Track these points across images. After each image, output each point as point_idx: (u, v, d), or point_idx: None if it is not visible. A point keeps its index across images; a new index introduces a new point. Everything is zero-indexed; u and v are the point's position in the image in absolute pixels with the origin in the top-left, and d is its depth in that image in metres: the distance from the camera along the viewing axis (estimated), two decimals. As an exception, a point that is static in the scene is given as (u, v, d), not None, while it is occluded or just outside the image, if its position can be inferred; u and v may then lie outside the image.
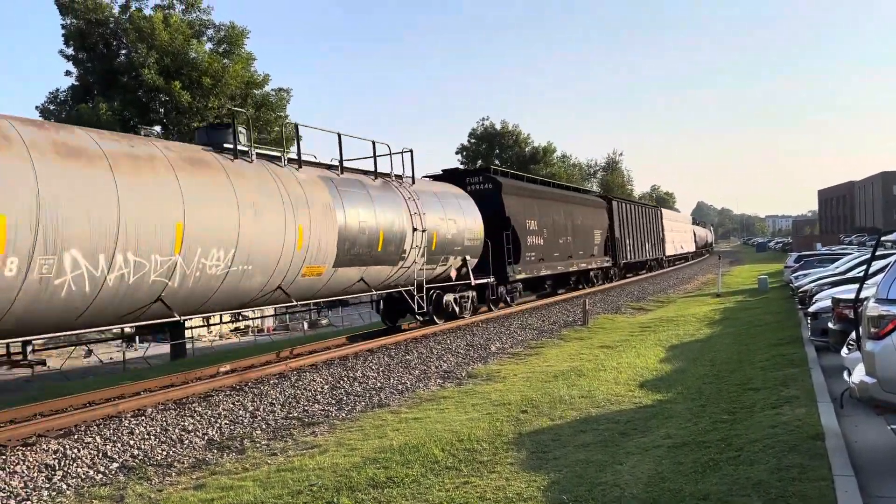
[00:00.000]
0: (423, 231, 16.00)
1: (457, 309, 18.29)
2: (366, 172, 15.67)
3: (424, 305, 16.45)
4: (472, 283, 18.53)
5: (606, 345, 15.15)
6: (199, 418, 9.18)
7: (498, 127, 58.45)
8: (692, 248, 63.36)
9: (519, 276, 21.06)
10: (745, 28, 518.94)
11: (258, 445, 8.20)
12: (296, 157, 13.45)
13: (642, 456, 6.80)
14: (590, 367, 12.07)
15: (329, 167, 14.37)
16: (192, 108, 23.57)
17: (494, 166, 21.85)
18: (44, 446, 7.76)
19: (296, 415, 9.62)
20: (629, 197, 65.68)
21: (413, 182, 16.90)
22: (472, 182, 21.07)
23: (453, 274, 17.92)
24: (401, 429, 8.51)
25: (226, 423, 9.08)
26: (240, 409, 9.70)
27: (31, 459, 7.38)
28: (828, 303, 11.80)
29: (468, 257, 18.34)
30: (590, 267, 28.84)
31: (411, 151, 17.20)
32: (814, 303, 13.71)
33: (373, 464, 6.96)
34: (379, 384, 11.52)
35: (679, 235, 54.66)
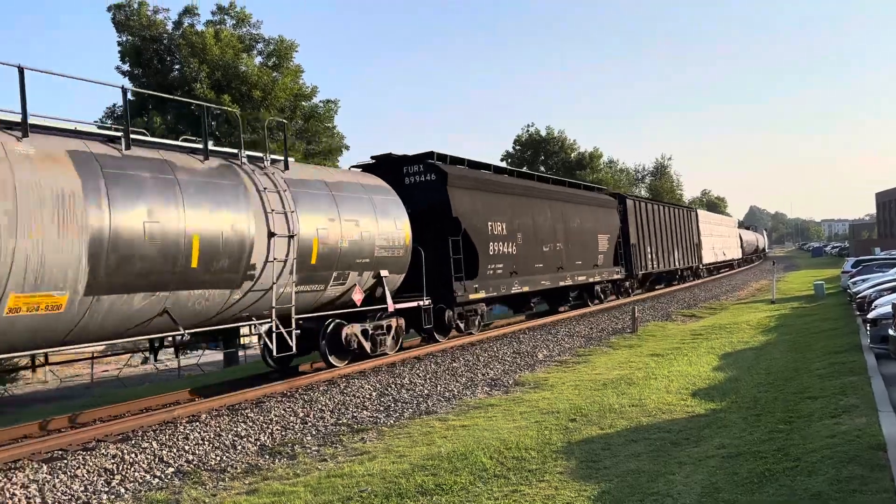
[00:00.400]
0: (292, 237, 11.18)
1: (367, 345, 13.25)
2: (193, 150, 10.66)
3: (293, 344, 11.43)
4: (390, 309, 13.58)
5: (657, 353, 14.91)
6: (251, 424, 9.34)
7: (543, 133, 58.23)
8: (737, 255, 56.97)
9: (476, 296, 16.20)
10: (797, 30, 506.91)
11: (309, 451, 8.31)
12: (18, 120, 8.35)
13: (695, 466, 6.68)
14: (640, 376, 11.90)
15: (112, 139, 9.50)
16: (243, 120, 24.10)
17: (439, 151, 16.67)
18: (103, 451, 7.99)
19: (345, 421, 9.72)
20: (678, 202, 64.23)
21: (286, 167, 12.02)
22: (409, 172, 16.29)
23: (358, 297, 12.95)
24: (448, 436, 8.53)
25: (277, 429, 9.22)
26: (291, 416, 9.84)
27: (91, 464, 7.61)
28: (888, 309, 11.42)
29: (385, 273, 13.44)
30: (593, 280, 23.36)
31: (284, 124, 13.53)
32: (873, 309, 13.29)
33: (421, 471, 6.99)
34: (426, 391, 11.55)
35: (720, 240, 48.64)
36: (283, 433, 9.11)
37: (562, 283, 20.77)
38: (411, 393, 11.42)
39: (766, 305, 26.05)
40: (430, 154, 16.54)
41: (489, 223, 17.02)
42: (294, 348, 11.48)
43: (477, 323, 17.20)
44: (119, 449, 8.07)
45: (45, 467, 7.42)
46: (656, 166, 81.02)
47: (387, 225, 13.59)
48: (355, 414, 10.11)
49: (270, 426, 9.32)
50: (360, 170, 15.97)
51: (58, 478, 7.20)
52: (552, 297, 22.61)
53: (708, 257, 42.60)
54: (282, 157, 12.13)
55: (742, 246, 60.68)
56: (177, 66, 25.47)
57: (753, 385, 10.58)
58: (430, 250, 14.94)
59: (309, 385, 11.72)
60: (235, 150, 11.38)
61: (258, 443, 8.69)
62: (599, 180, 53.38)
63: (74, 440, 8.34)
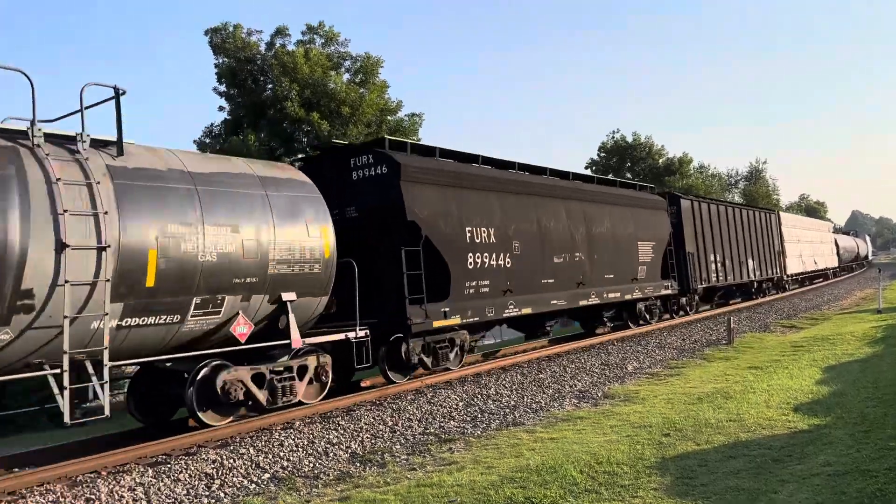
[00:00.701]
0: (103, 249, 8.00)
1: (260, 395, 9.91)
2: None
3: (104, 400, 8.01)
4: (295, 344, 10.21)
5: (755, 365, 14.31)
6: (342, 431, 9.55)
7: (629, 139, 57.12)
8: (833, 263, 50.78)
9: (444, 322, 12.72)
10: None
11: (398, 460, 8.41)
12: None
13: (799, 484, 6.36)
14: (737, 389, 11.45)
15: None
16: (332, 136, 24.76)
17: (394, 138, 13.79)
18: (203, 456, 8.34)
19: (432, 431, 9.78)
20: (774, 206, 61.04)
21: (120, 152, 8.71)
22: (357, 165, 12.91)
23: (243, 330, 9.66)
24: (537, 448, 8.45)
25: (367, 437, 9.38)
26: (380, 424, 9.99)
27: (192, 468, 7.95)
28: None
29: (291, 297, 10.13)
30: (631, 297, 19.31)
31: (116, 92, 8.78)
32: None
33: (510, 483, 6.95)
34: (513, 402, 11.49)
35: (810, 247, 43.17)
36: (373, 441, 9.26)
37: (583, 303, 16.94)
38: (497, 404, 11.39)
39: (872, 315, 24.57)
40: (381, 141, 13.31)
41: (468, 229, 13.45)
42: (107, 409, 8.05)
43: (453, 356, 13.53)
44: (218, 454, 8.40)
45: (150, 471, 7.82)
46: (750, 171, 78.00)
47: (292, 231, 10.28)
48: (442, 424, 10.16)
49: (360, 434, 9.49)
50: (298, 164, 13.51)
51: (162, 481, 7.56)
52: (586, 318, 19.40)
53: (794, 266, 37.73)
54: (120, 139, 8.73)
55: (838, 253, 55.15)
56: (269, 86, 26.45)
57: (860, 399, 9.99)
58: (382, 264, 12.19)
59: (397, 394, 11.86)
60: (25, 128, 8.12)
61: (349, 450, 8.87)
62: (690, 186, 51.89)
63: (177, 445, 8.74)
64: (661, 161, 56.52)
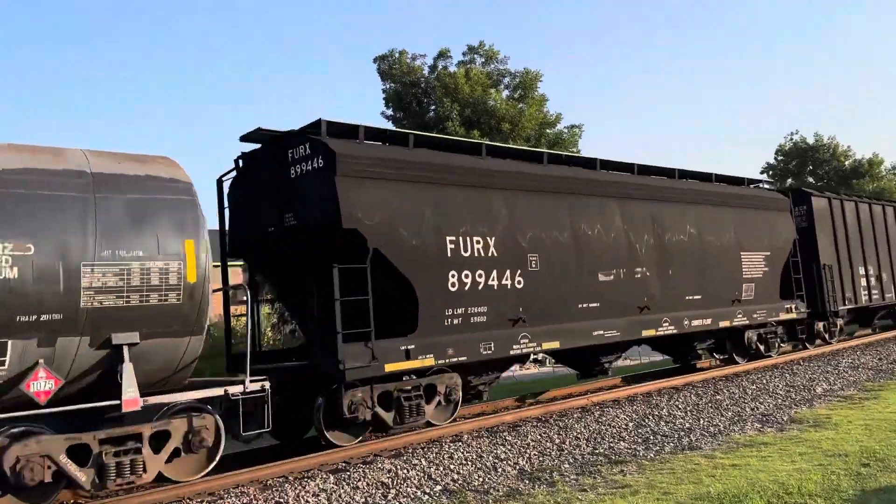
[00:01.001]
0: None
1: (80, 476, 7.20)
2: None
3: None
4: (127, 406, 7.27)
5: (970, 390, 12.69)
6: (509, 447, 9.56)
7: (810, 141, 52.96)
8: None
9: (404, 365, 9.65)
10: None
11: (567, 480, 8.28)
12: None
13: None
14: (949, 417, 10.20)
15: None
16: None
17: (339, 121, 10.07)
18: (379, 465, 8.68)
19: (602, 451, 9.55)
20: None
21: None
22: (296, 158, 9.94)
23: (39, 387, 6.94)
24: (717, 475, 7.98)
25: (534, 454, 9.33)
26: (546, 441, 9.91)
27: (369, 477, 8.30)
28: None
29: (130, 338, 7.38)
30: (732, 323, 15.14)
31: None
32: None
33: (689, 510, 6.62)
34: (688, 425, 10.96)
35: None
36: (541, 459, 9.19)
37: (648, 333, 13.11)
38: (671, 426, 10.91)
39: None
40: (314, 124, 10.01)
41: (450, 238, 10.29)
42: None
43: (433, 409, 10.35)
44: (393, 464, 8.71)
45: (331, 478, 8.25)
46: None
47: (130, 246, 7.42)
48: (612, 444, 9.89)
49: (528, 451, 9.46)
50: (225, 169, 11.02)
51: (342, 488, 7.95)
52: (677, 350, 15.65)
53: None
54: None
55: None
56: (432, 107, 27.37)
57: None
58: (315, 288, 9.90)
59: (562, 412, 11.71)
60: None
61: (517, 466, 8.86)
62: (881, 190, 47.19)
63: (355, 454, 9.17)
64: (847, 163, 51.93)
